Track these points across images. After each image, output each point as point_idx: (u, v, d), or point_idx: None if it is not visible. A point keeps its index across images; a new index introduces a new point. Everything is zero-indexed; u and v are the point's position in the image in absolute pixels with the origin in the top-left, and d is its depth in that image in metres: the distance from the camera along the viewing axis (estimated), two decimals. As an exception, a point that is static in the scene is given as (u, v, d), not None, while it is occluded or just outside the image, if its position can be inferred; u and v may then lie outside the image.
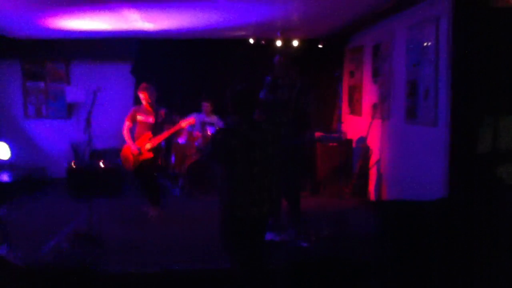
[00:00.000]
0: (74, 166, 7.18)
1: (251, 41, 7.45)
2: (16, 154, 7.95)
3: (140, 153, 5.81)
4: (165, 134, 5.94)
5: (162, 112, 5.96)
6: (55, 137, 8.37)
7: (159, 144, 5.98)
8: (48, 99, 8.41)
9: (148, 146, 5.83)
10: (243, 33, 7.23)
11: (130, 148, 5.87)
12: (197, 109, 7.68)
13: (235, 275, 3.39)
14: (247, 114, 3.28)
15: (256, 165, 3.19)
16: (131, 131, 5.97)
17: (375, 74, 6.62)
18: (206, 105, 7.65)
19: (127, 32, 7.11)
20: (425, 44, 4.97)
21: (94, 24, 6.46)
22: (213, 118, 7.67)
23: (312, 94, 4.97)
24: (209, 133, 7.09)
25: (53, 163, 8.25)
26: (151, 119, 5.90)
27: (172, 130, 6.05)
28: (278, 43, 7.05)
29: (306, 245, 4.81)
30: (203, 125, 7.40)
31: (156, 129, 5.88)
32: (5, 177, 7.28)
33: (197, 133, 7.27)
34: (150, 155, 5.83)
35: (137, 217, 5.90)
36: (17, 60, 8.29)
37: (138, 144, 5.85)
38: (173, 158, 7.59)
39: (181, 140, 7.41)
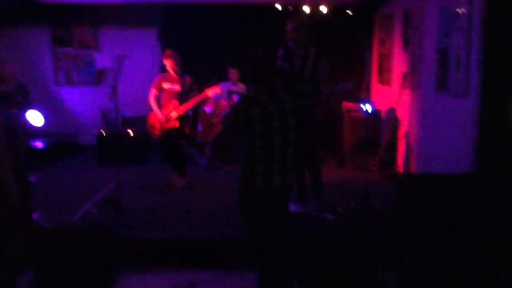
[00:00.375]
0: (104, 133, 7.32)
1: (279, 7, 7.28)
2: (48, 121, 8.08)
3: (167, 121, 5.86)
4: (192, 103, 5.95)
5: (188, 80, 5.96)
6: (86, 104, 8.48)
7: (186, 113, 6.01)
8: (78, 65, 8.51)
9: (175, 114, 5.86)
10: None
11: (156, 116, 5.92)
12: (224, 78, 7.64)
13: (252, 244, 3.43)
14: (266, 84, 3.27)
15: (277, 135, 3.20)
16: (158, 99, 6.02)
17: (406, 42, 6.42)
18: (233, 72, 7.54)
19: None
20: (457, 12, 4.77)
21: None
22: (240, 87, 7.60)
23: (326, 60, 4.84)
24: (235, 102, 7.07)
25: (84, 130, 8.39)
26: (177, 87, 5.90)
27: (198, 98, 6.05)
28: (306, 9, 6.87)
29: (331, 217, 4.79)
30: (229, 93, 7.34)
31: (182, 97, 5.91)
32: (39, 144, 7.47)
33: (224, 102, 7.25)
34: (177, 123, 5.88)
35: (162, 185, 5.99)
36: (47, 25, 8.34)
37: (164, 112, 5.89)
38: (200, 127, 7.62)
39: (208, 109, 7.41)
